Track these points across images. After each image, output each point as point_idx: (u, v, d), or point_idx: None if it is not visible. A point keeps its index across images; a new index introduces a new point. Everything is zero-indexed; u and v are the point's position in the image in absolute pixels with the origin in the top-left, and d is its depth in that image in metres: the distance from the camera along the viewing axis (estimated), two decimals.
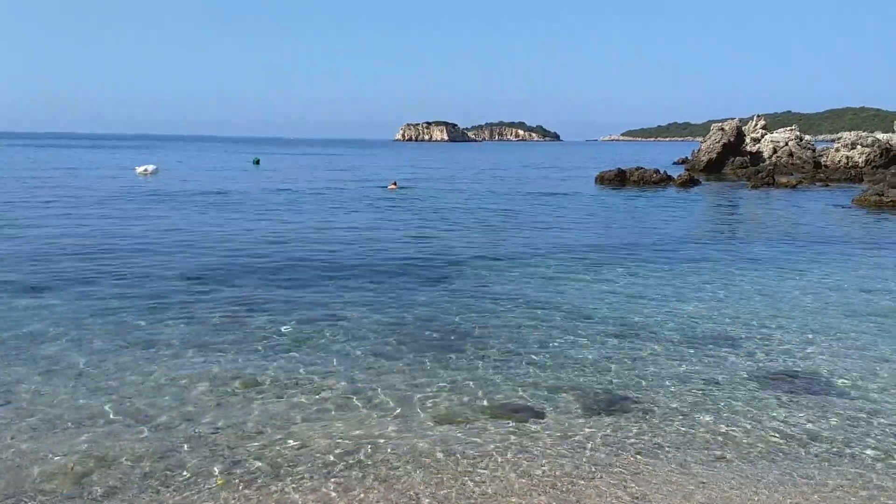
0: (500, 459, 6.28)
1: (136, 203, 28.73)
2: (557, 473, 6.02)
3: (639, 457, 6.37)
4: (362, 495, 5.63)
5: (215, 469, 6.02)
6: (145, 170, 48.92)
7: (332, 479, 5.88)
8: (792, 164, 53.69)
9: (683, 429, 7.00)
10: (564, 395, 7.87)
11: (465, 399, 7.71)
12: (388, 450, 6.44)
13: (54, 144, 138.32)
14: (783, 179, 42.29)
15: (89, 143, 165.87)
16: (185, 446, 6.44)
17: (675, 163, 67.04)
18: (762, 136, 57.64)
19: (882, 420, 7.31)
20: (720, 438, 6.81)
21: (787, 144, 55.76)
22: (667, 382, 8.29)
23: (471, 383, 8.17)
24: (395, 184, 41.52)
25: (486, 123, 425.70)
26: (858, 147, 52.47)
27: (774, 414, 7.42)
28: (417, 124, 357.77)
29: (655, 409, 7.50)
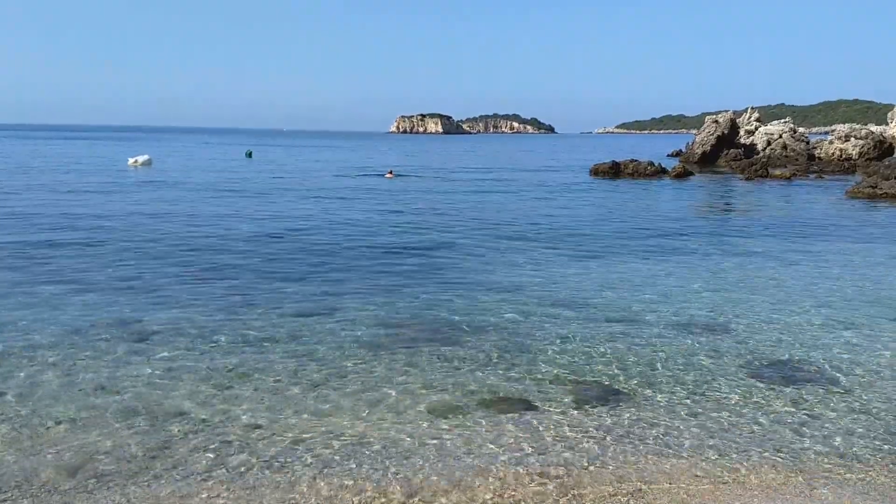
0: (494, 452, 6.29)
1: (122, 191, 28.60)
2: (553, 465, 6.03)
3: (634, 448, 6.39)
4: (358, 488, 5.63)
5: (207, 461, 6.01)
6: (136, 161, 48.55)
7: (327, 472, 5.88)
8: (786, 156, 53.81)
9: (679, 419, 7.02)
10: (559, 386, 7.88)
11: (460, 391, 7.71)
12: (384, 443, 6.44)
13: (40, 137, 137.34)
14: (777, 172, 42.40)
15: (78, 135, 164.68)
16: (180, 439, 6.43)
17: (669, 155, 66.87)
18: (756, 129, 57.76)
19: (874, 409, 7.36)
20: (714, 428, 6.82)
21: (780, 137, 55.88)
22: (661, 372, 8.31)
23: (465, 375, 8.17)
24: (391, 172, 42.23)
25: (481, 116, 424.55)
26: (852, 139, 52.66)
27: (768, 403, 7.44)
28: (412, 116, 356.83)
29: (650, 399, 7.51)
